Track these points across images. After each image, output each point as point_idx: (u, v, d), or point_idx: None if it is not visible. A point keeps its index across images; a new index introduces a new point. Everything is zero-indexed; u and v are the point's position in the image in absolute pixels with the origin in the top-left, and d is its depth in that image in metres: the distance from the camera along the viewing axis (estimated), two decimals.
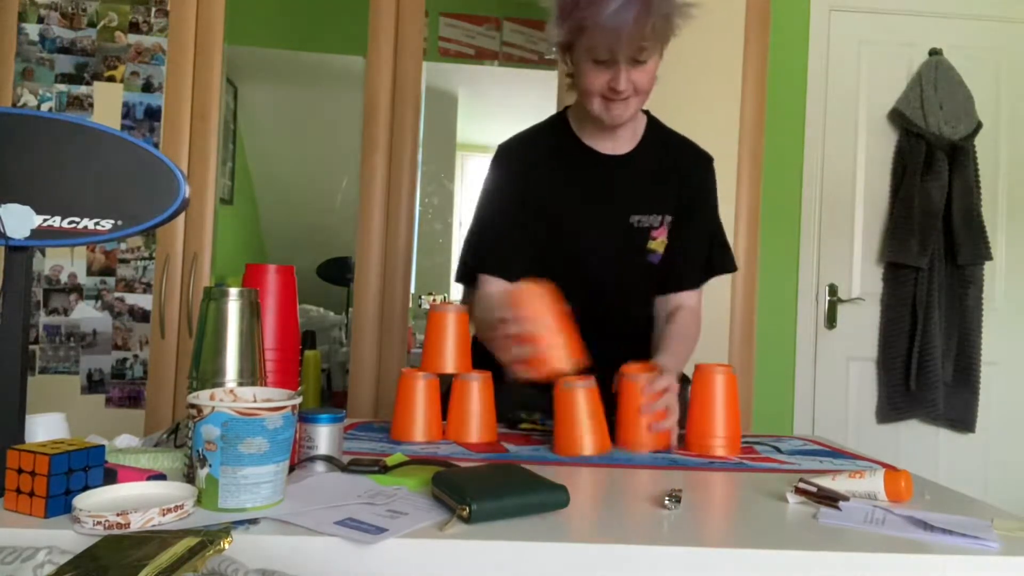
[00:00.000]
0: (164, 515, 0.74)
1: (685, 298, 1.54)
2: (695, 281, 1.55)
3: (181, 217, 2.41)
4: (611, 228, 1.48)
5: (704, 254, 1.55)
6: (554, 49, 1.46)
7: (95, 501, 0.77)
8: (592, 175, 1.48)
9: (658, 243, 1.50)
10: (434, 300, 4.08)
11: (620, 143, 1.49)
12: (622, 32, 1.27)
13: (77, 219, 0.90)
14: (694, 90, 2.49)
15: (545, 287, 1.22)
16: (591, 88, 1.36)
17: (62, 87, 2.40)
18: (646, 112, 1.54)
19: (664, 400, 1.22)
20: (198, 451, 0.80)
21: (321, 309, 3.99)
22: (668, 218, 1.49)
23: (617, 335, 1.48)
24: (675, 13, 1.35)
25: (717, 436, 1.22)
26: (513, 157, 1.53)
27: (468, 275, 1.54)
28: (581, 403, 1.19)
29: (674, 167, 1.51)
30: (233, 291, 0.93)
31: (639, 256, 1.49)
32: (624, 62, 1.32)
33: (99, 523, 0.72)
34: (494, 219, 1.52)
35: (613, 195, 1.48)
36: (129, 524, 0.72)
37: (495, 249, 1.50)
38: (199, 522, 0.75)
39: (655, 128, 1.54)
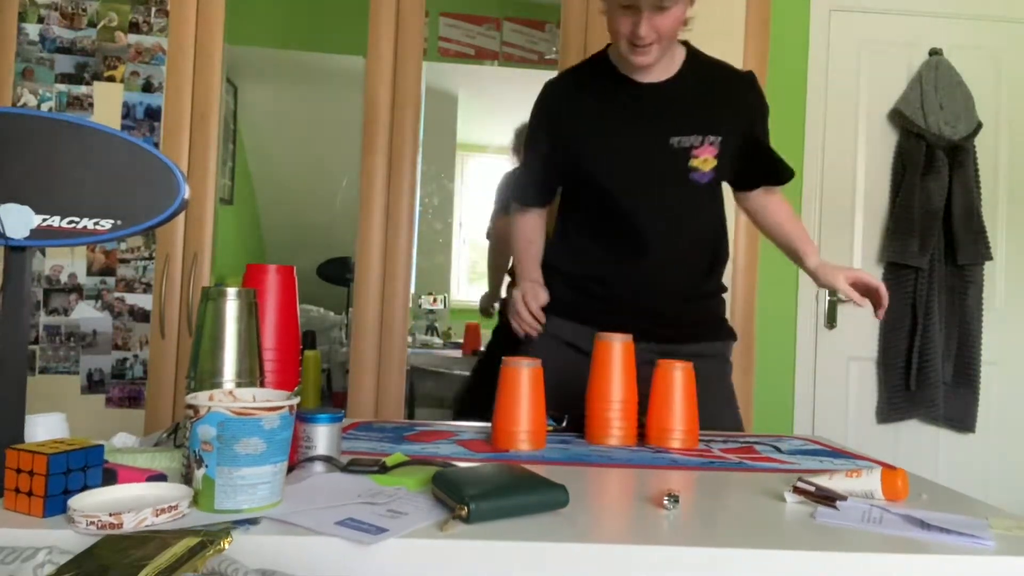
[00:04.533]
0: (157, 516, 0.74)
1: (777, 192, 1.71)
2: (777, 179, 1.68)
3: (181, 217, 2.41)
4: (650, 150, 1.55)
5: (771, 163, 1.67)
6: None
7: (92, 501, 0.77)
8: (629, 102, 1.56)
9: (701, 161, 1.55)
10: (434, 300, 4.08)
11: (658, 73, 1.55)
12: None
13: (77, 219, 0.90)
14: None
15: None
16: (617, 32, 1.45)
17: (62, 87, 2.40)
18: (685, 43, 1.60)
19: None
20: (195, 451, 0.80)
21: (321, 309, 3.99)
22: (712, 138, 1.55)
23: (667, 259, 1.59)
24: None
25: (675, 429, 1.26)
26: (549, 93, 1.65)
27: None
28: (524, 385, 1.20)
29: (716, 90, 1.58)
30: (231, 291, 0.93)
31: (681, 176, 1.56)
32: (647, 8, 1.38)
33: (92, 523, 0.72)
34: (530, 152, 1.69)
35: (651, 119, 1.55)
36: (122, 524, 0.72)
37: (527, 182, 1.70)
38: (194, 523, 0.75)
39: (695, 57, 1.60)
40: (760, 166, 1.65)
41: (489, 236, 3.39)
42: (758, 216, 1.73)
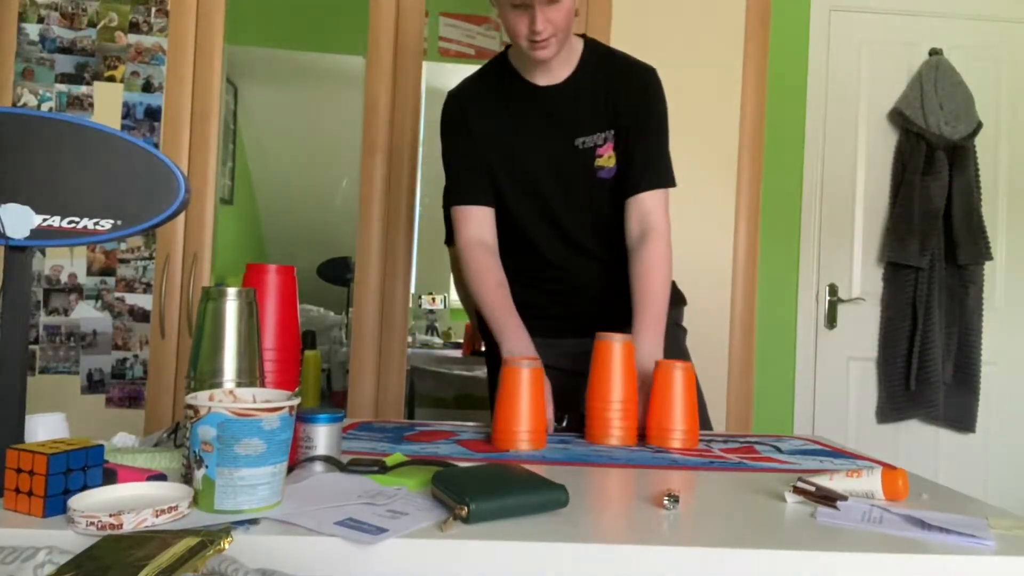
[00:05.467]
0: (158, 516, 0.74)
1: (647, 210, 1.52)
2: (651, 182, 1.53)
3: (181, 217, 2.41)
4: (557, 153, 1.55)
5: (656, 159, 1.56)
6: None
7: (91, 501, 0.77)
8: (532, 106, 1.56)
9: (605, 159, 1.55)
10: (434, 300, 4.08)
11: (557, 72, 1.55)
12: None
13: (77, 219, 0.90)
14: (694, 90, 2.49)
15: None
16: (515, 33, 1.44)
17: (62, 87, 2.40)
18: (583, 36, 1.59)
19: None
20: (195, 452, 0.80)
21: (321, 309, 3.99)
22: (609, 133, 1.53)
23: (590, 256, 1.59)
24: None
25: (676, 430, 1.26)
26: (456, 101, 1.61)
27: (449, 225, 1.68)
28: (524, 387, 1.20)
29: (611, 82, 1.55)
30: (231, 291, 0.93)
31: (589, 175, 1.55)
32: (538, 3, 1.38)
33: (92, 523, 0.72)
34: (451, 157, 1.62)
35: (554, 122, 1.55)
36: (122, 525, 0.72)
37: (458, 183, 1.60)
38: (194, 523, 0.75)
39: (592, 51, 1.58)
40: (630, 167, 1.54)
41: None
42: (631, 255, 1.53)
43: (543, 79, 1.55)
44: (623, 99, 1.54)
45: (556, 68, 1.54)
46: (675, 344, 1.60)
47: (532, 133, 1.55)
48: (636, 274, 1.49)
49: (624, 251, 1.54)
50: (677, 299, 1.65)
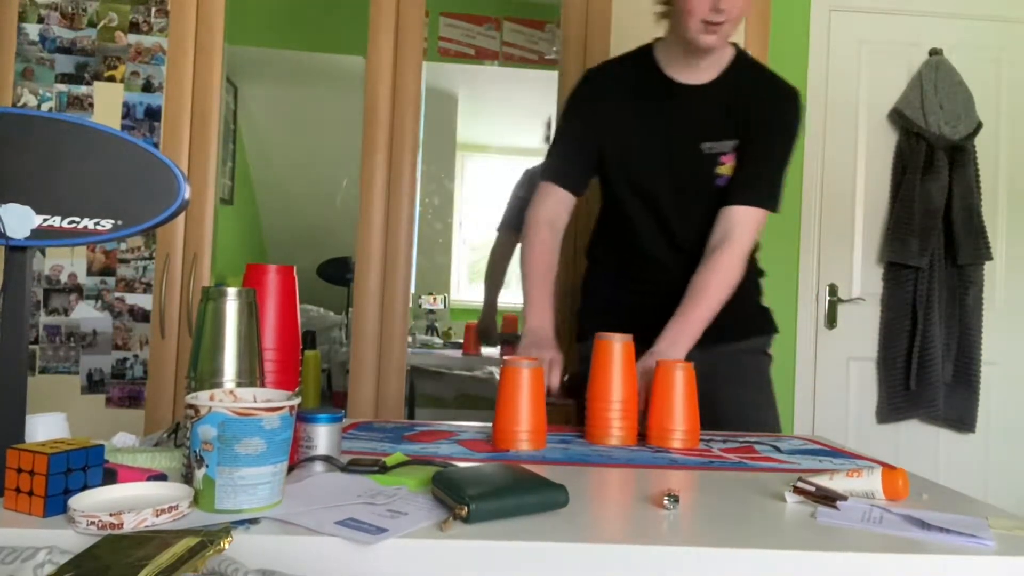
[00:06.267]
0: (158, 516, 0.74)
1: (735, 222, 1.51)
2: (749, 198, 1.52)
3: (181, 217, 2.41)
4: (680, 153, 1.54)
5: (763, 179, 1.54)
6: None
7: (91, 501, 0.77)
8: (665, 102, 1.54)
9: (726, 167, 1.54)
10: (434, 300, 4.08)
11: (702, 73, 1.54)
12: None
13: (77, 219, 0.90)
14: None
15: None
16: (692, 9, 1.41)
17: (62, 87, 2.40)
18: (735, 45, 1.58)
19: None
20: (195, 451, 0.80)
21: (321, 309, 3.99)
22: (737, 143, 1.54)
23: (688, 262, 1.53)
24: None
25: (676, 430, 1.26)
26: (590, 80, 1.62)
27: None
28: (524, 387, 1.20)
29: (750, 94, 1.54)
30: (231, 291, 0.93)
31: (707, 180, 1.54)
32: None
33: (92, 523, 0.72)
34: (562, 135, 1.64)
35: (684, 122, 1.54)
36: (122, 524, 0.72)
37: (557, 161, 1.62)
38: (195, 523, 0.75)
39: (741, 61, 1.58)
40: (734, 178, 1.54)
41: (501, 229, 3.19)
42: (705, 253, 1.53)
43: (686, 77, 1.54)
44: (755, 112, 1.53)
45: (703, 68, 1.53)
46: (757, 371, 1.62)
47: (658, 128, 1.55)
48: (697, 273, 1.49)
49: None
50: (767, 326, 1.66)
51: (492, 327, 3.25)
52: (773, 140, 1.54)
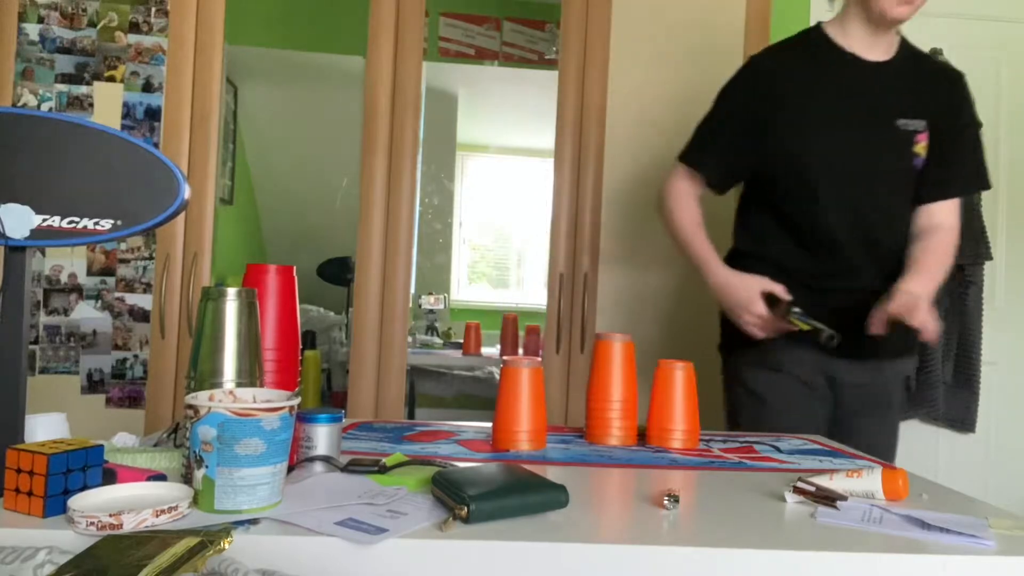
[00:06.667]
0: (157, 516, 0.74)
1: (944, 214, 1.55)
2: (959, 189, 1.56)
3: (181, 217, 2.41)
4: (878, 130, 1.50)
5: (966, 166, 1.56)
6: None
7: (91, 501, 0.77)
8: (854, 80, 1.51)
9: (921, 147, 1.51)
10: (434, 300, 4.08)
11: (881, 52, 1.53)
12: None
13: (77, 219, 0.90)
14: (694, 90, 2.49)
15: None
16: None
17: (62, 87, 2.40)
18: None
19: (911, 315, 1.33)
20: (195, 452, 0.80)
21: (321, 309, 3.99)
22: (925, 124, 1.51)
23: (883, 246, 1.52)
24: None
25: (676, 430, 1.26)
26: (758, 65, 1.58)
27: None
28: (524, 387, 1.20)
29: (928, 75, 1.54)
30: (231, 291, 0.93)
31: (906, 159, 1.51)
32: None
33: (92, 523, 0.72)
34: (712, 117, 1.61)
35: (877, 99, 1.51)
36: (122, 525, 0.72)
37: (706, 144, 1.61)
38: (195, 523, 0.75)
39: (906, 43, 1.59)
40: (937, 173, 1.52)
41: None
42: (913, 239, 1.54)
43: (870, 54, 1.51)
44: (939, 97, 1.52)
45: (882, 46, 1.51)
46: (900, 405, 1.62)
47: (851, 107, 1.50)
48: (918, 243, 1.50)
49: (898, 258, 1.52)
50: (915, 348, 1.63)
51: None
52: (965, 123, 1.56)
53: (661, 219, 1.65)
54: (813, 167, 1.51)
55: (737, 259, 1.61)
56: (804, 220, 1.54)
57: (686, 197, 1.61)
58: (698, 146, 1.62)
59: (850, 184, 1.51)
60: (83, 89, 2.41)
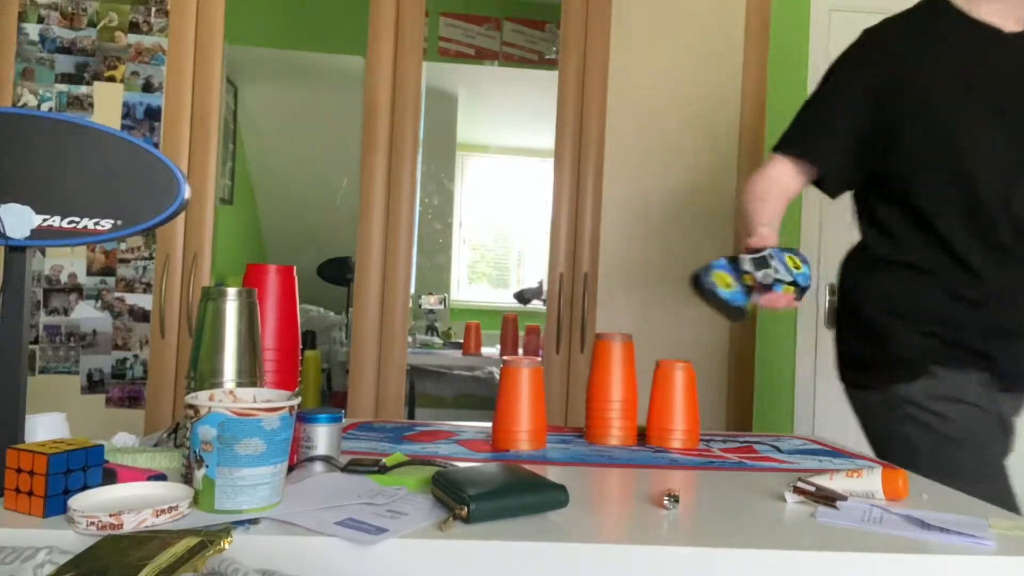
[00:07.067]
0: (157, 516, 0.74)
1: None
2: None
3: (181, 217, 2.41)
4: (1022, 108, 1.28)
5: None
6: None
7: (91, 501, 0.77)
8: (1000, 56, 1.31)
9: None
10: (433, 299, 4.08)
11: (1015, 23, 1.32)
12: None
13: (77, 219, 0.90)
14: (694, 90, 2.49)
15: None
16: None
17: (62, 87, 2.40)
18: None
19: None
20: (195, 452, 0.80)
21: (321, 309, 3.99)
22: None
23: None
24: None
25: (676, 430, 1.26)
26: (879, 37, 1.35)
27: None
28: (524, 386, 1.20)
29: None
30: (231, 291, 0.93)
31: None
32: None
33: (92, 523, 0.72)
34: (822, 98, 1.39)
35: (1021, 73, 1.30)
36: (122, 525, 0.72)
37: (815, 131, 1.39)
38: (195, 523, 0.75)
39: None
40: None
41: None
42: None
43: (1007, 23, 1.30)
44: None
45: (1015, 19, 1.31)
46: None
47: (1001, 87, 1.29)
48: None
49: None
50: None
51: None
52: None
53: (739, 214, 1.44)
54: (967, 160, 1.28)
55: (879, 266, 1.42)
56: (956, 225, 1.30)
57: (777, 193, 1.41)
58: (812, 132, 1.38)
59: (1008, 176, 1.28)
60: (83, 89, 2.41)
